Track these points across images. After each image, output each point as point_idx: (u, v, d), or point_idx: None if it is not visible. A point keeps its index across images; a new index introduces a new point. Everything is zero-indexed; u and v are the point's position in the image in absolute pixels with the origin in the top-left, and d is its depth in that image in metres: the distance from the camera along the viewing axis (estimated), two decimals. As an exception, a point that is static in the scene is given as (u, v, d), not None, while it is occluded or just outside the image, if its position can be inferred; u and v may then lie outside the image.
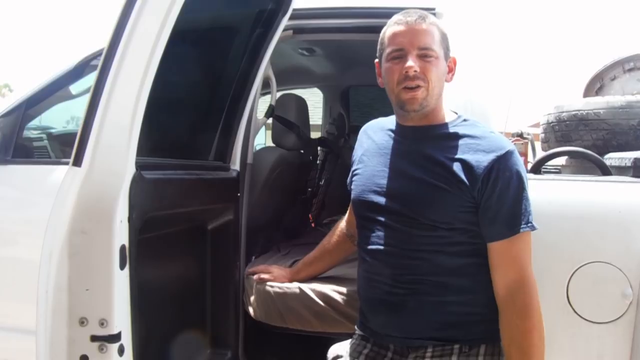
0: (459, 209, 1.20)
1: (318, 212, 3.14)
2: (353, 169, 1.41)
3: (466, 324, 1.24)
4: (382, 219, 1.27)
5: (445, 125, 1.28)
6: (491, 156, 1.19)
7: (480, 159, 1.19)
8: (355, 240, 1.60)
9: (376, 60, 1.32)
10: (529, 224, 1.19)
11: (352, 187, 1.39)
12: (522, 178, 1.21)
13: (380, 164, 1.31)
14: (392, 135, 1.33)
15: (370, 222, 1.30)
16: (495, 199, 1.18)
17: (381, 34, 1.29)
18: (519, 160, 1.23)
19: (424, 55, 1.21)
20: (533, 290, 1.19)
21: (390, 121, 1.37)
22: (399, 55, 1.22)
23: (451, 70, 1.29)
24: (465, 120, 1.29)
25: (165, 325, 1.58)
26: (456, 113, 1.32)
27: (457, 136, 1.25)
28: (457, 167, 1.20)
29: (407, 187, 1.25)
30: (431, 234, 1.21)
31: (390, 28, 1.26)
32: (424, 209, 1.21)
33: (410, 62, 1.20)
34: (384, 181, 1.29)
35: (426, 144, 1.26)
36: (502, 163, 1.18)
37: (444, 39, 1.25)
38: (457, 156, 1.21)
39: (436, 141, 1.26)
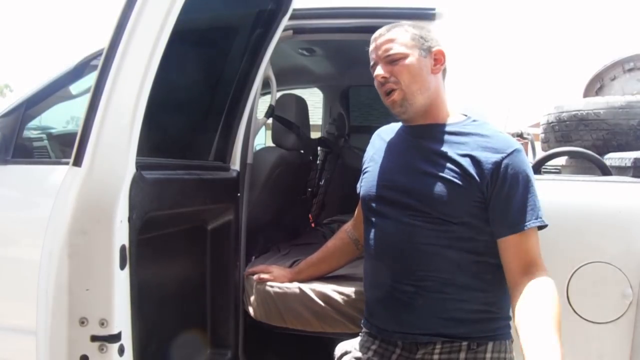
0: (469, 202, 1.23)
1: (318, 212, 3.15)
2: (364, 168, 1.44)
3: (473, 321, 1.25)
4: (391, 213, 1.29)
5: (454, 124, 1.32)
6: (500, 154, 1.22)
7: (489, 156, 1.22)
8: (360, 244, 1.60)
9: None
10: (539, 219, 1.22)
11: (362, 183, 1.41)
12: (530, 175, 1.24)
13: (391, 161, 1.35)
14: (404, 135, 1.38)
15: (379, 217, 1.31)
16: (505, 195, 1.21)
17: None
18: (526, 158, 1.27)
19: (390, 61, 1.29)
20: (549, 275, 1.18)
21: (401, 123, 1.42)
22: (375, 69, 1.32)
23: (438, 61, 1.32)
24: (474, 120, 1.33)
25: (165, 325, 1.58)
26: (465, 115, 1.36)
27: (466, 134, 1.29)
28: (466, 162, 1.23)
29: (418, 182, 1.27)
30: (441, 228, 1.23)
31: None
32: (436, 203, 1.23)
33: (377, 71, 1.30)
34: (395, 176, 1.32)
35: (435, 140, 1.29)
36: (511, 161, 1.22)
37: (416, 37, 1.30)
38: (466, 152, 1.24)
39: (445, 138, 1.29)
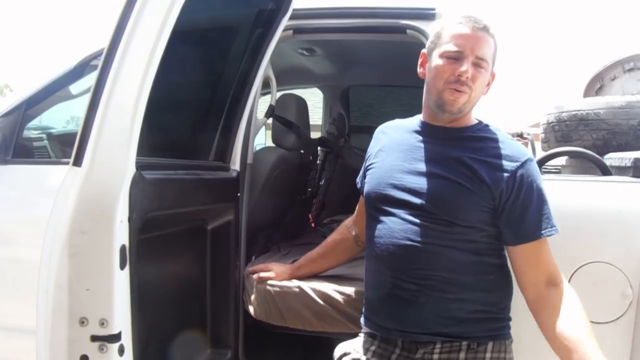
0: (478, 208, 1.22)
1: (318, 212, 3.14)
2: (368, 163, 1.42)
3: (474, 321, 1.25)
4: (397, 212, 1.28)
5: (469, 128, 1.31)
6: (514, 162, 1.23)
7: (504, 164, 1.23)
8: (359, 241, 1.60)
9: (423, 50, 1.33)
10: (555, 227, 1.23)
11: (367, 180, 1.40)
12: (542, 184, 1.25)
13: (400, 159, 1.33)
14: (415, 134, 1.35)
15: (384, 215, 1.30)
16: (520, 203, 1.22)
17: (439, 28, 1.30)
18: (537, 167, 1.28)
19: (478, 65, 1.23)
20: (567, 283, 1.23)
21: (411, 122, 1.40)
22: (456, 57, 1.23)
23: (489, 83, 1.31)
24: (487, 125, 1.33)
25: (165, 325, 1.58)
26: (477, 119, 1.35)
27: (480, 139, 1.28)
28: (480, 168, 1.23)
29: (429, 183, 1.26)
30: (447, 229, 1.23)
31: (454, 26, 1.26)
32: (445, 205, 1.23)
33: (466, 67, 1.22)
34: (404, 175, 1.30)
35: (451, 144, 1.29)
36: (525, 170, 1.23)
37: (496, 53, 1.28)
38: (481, 158, 1.24)
39: (460, 143, 1.29)
